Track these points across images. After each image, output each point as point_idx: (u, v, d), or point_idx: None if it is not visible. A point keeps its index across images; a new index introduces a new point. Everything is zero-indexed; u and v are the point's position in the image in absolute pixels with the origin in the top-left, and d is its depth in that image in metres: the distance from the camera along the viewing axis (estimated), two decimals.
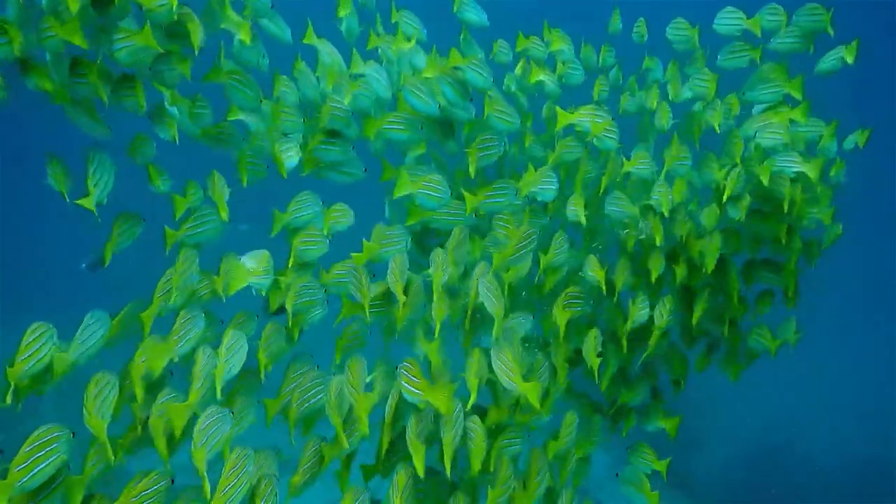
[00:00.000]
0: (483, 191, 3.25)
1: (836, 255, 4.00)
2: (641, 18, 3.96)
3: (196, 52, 2.78)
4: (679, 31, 3.84)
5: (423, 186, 3.14)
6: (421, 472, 2.55)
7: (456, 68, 3.20)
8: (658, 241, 3.40)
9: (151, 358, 2.50)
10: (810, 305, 4.09)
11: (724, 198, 3.44)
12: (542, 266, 3.24)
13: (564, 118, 3.34)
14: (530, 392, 2.62)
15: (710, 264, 3.43)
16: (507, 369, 2.65)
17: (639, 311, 3.39)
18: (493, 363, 2.71)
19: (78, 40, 2.51)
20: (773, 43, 3.66)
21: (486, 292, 2.80)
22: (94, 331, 2.50)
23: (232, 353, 2.56)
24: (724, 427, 8.69)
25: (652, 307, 3.44)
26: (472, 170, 3.21)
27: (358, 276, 2.83)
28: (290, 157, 3.10)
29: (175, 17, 2.65)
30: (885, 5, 9.59)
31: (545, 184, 3.30)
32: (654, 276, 3.43)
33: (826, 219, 3.63)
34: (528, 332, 3.15)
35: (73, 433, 2.24)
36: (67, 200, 2.63)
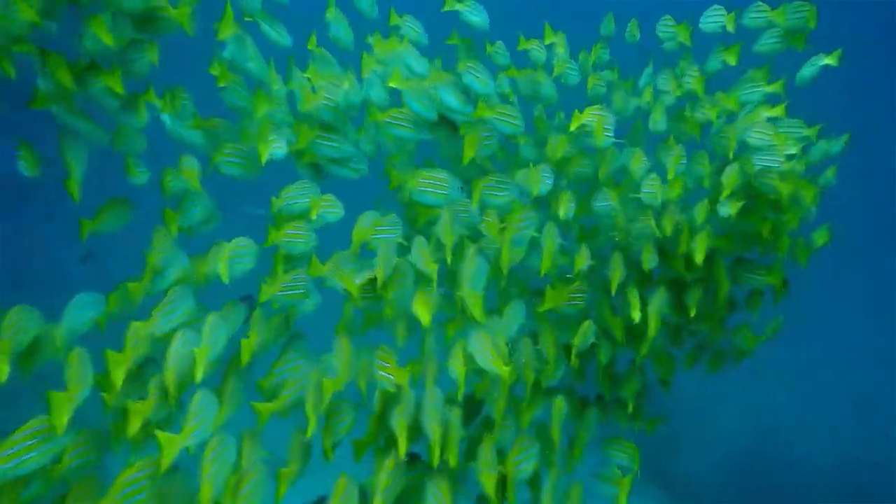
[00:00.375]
0: (483, 181, 3.26)
1: (835, 256, 4.01)
2: (633, 19, 3.97)
3: (191, 35, 2.81)
4: (668, 28, 3.87)
5: (420, 184, 3.13)
6: (402, 453, 2.62)
7: (456, 74, 3.25)
8: (652, 233, 3.43)
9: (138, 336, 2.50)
10: (807, 306, 4.11)
11: (725, 194, 3.44)
12: (545, 256, 3.22)
13: (577, 119, 3.42)
14: (502, 368, 2.70)
15: (700, 255, 3.42)
16: (483, 350, 2.72)
17: (635, 303, 3.39)
18: (469, 345, 2.77)
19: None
20: (757, 45, 3.70)
21: (469, 272, 2.85)
22: (83, 310, 2.52)
23: (210, 338, 2.54)
24: (723, 428, 8.68)
25: (644, 301, 3.46)
26: (466, 155, 3.20)
27: (337, 262, 2.85)
28: (279, 147, 3.08)
29: (151, 3, 2.66)
30: (886, 5, 9.58)
31: (543, 179, 3.34)
32: (646, 267, 3.47)
33: (794, 222, 3.63)
34: (521, 323, 3.18)
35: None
36: (37, 175, 2.67)
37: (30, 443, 2.14)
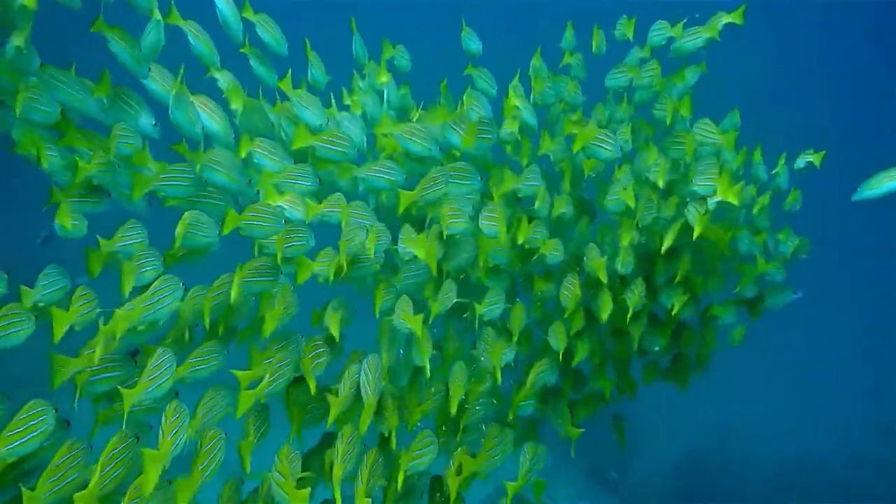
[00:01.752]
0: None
1: (834, 260, 4.05)
2: (596, 28, 3.96)
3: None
4: (623, 28, 3.93)
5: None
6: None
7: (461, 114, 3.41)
8: (626, 239, 3.49)
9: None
10: (797, 307, 4.15)
11: (722, 185, 3.38)
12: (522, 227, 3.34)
13: (581, 139, 3.45)
14: (415, 324, 2.88)
15: (668, 241, 3.47)
16: (402, 311, 2.91)
17: (608, 298, 3.48)
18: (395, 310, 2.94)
19: None
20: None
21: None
22: (54, 279, 2.57)
23: (158, 298, 2.59)
24: (674, 433, 8.71)
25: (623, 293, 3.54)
26: (468, 141, 3.32)
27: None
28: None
29: None
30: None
31: (530, 181, 3.47)
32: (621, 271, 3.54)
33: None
34: (498, 314, 3.29)
35: (56, 409, 2.33)
36: None
37: (23, 427, 2.21)
